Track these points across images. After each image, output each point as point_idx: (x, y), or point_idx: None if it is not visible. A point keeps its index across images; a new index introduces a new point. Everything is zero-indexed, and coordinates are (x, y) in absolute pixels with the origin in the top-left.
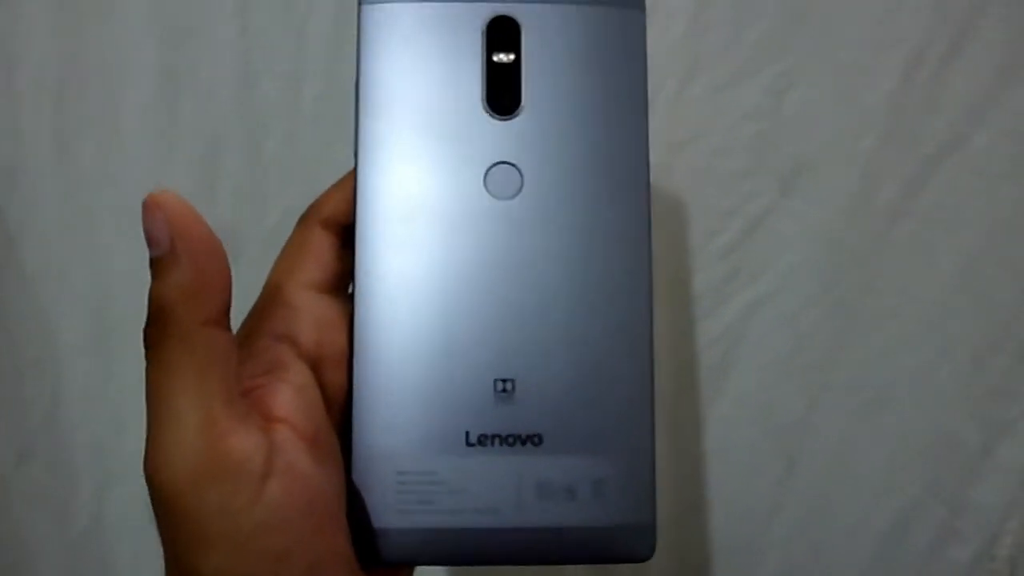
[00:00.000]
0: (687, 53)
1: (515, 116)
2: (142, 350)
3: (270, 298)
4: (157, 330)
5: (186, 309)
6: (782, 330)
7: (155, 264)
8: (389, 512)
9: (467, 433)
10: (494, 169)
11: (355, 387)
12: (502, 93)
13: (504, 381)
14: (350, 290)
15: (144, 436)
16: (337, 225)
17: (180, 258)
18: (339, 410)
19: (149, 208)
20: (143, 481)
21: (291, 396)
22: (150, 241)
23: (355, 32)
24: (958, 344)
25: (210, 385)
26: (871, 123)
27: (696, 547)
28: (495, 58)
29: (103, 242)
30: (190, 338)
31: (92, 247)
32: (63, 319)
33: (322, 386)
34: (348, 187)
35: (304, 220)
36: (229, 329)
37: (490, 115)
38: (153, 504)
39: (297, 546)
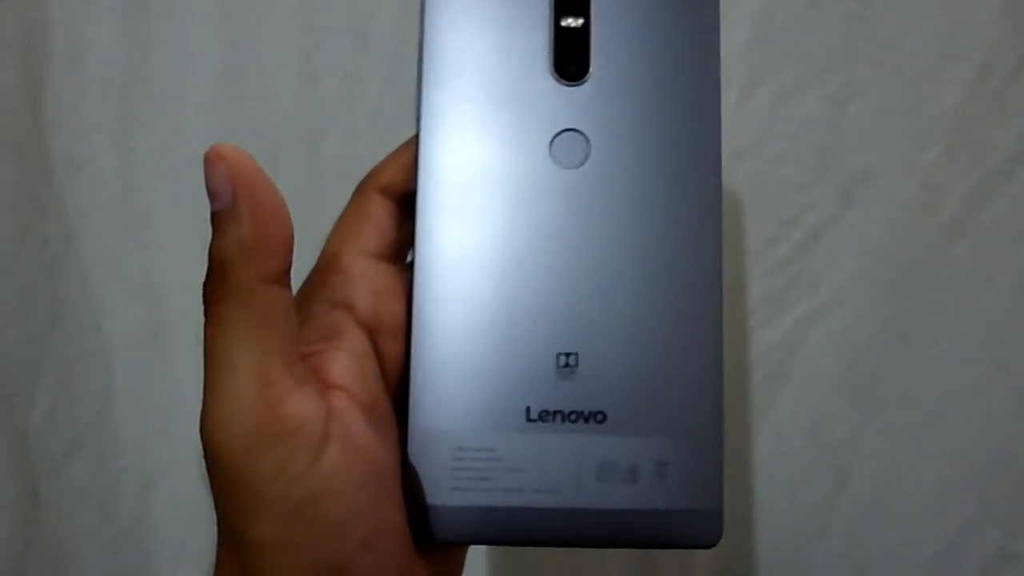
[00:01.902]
0: (751, 60)
1: (583, 83)
2: (194, 347)
3: (327, 266)
4: (216, 286)
5: (246, 265)
6: (837, 343)
7: (216, 218)
8: (445, 489)
9: (528, 409)
10: (560, 137)
11: (413, 359)
12: (570, 58)
13: (567, 355)
14: (409, 259)
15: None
16: (397, 193)
17: (241, 212)
18: (395, 382)
19: (211, 160)
20: (188, 478)
21: (349, 363)
22: (211, 194)
23: (415, 34)
24: (1015, 362)
25: (269, 344)
26: (935, 135)
27: (743, 559)
28: (563, 22)
29: (159, 238)
30: (250, 295)
31: (148, 242)
32: (117, 314)
33: (378, 356)
34: (408, 154)
35: (362, 187)
36: (290, 289)
37: (557, 81)
38: (207, 467)
39: (353, 517)
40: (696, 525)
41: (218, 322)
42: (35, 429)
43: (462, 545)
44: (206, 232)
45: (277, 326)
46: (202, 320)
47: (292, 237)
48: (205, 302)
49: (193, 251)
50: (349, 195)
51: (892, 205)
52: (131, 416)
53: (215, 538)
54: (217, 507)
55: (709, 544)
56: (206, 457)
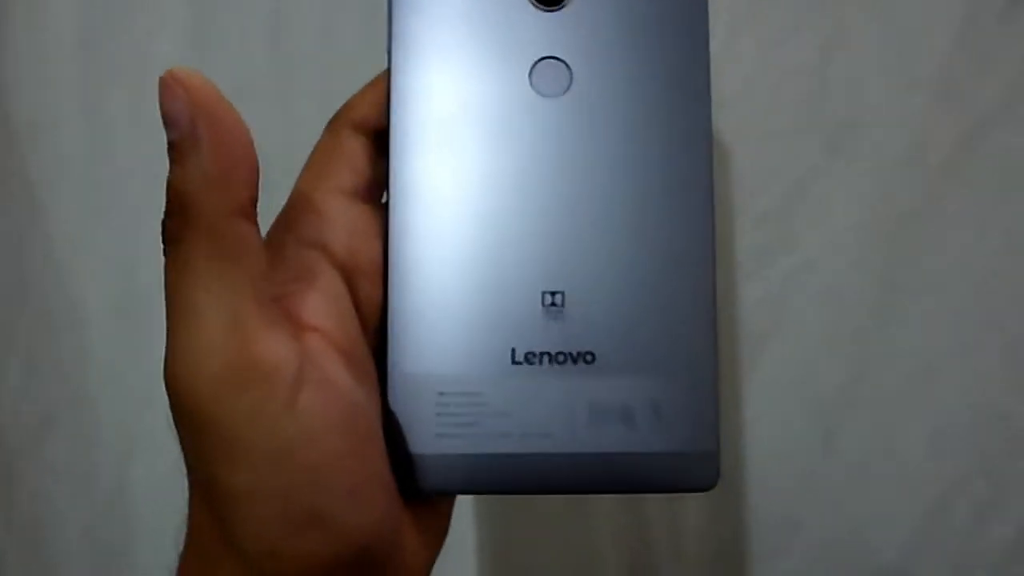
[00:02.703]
0: (734, 7)
1: (563, 7)
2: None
3: (297, 204)
4: (177, 222)
5: (209, 198)
6: (825, 297)
7: (174, 148)
8: (428, 437)
9: (513, 351)
10: (540, 65)
11: (391, 301)
12: None
13: (553, 294)
14: (384, 198)
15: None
16: (370, 128)
17: (202, 141)
18: (374, 326)
19: (168, 85)
20: (168, 450)
21: (324, 304)
22: (168, 121)
23: None
24: (1006, 315)
25: (237, 282)
26: (922, 83)
27: (730, 517)
28: None
29: (130, 204)
30: (215, 230)
31: (119, 209)
32: (89, 285)
33: (355, 300)
34: (381, 88)
35: (333, 124)
36: (257, 223)
37: (536, 6)
38: (175, 415)
39: (333, 464)
40: (692, 467)
41: (180, 260)
42: (7, 406)
43: (449, 495)
44: None
45: (245, 263)
46: None
47: (258, 166)
48: (164, 240)
49: None
50: None
51: (879, 156)
52: (107, 389)
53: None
54: (187, 458)
55: (706, 487)
56: (172, 405)
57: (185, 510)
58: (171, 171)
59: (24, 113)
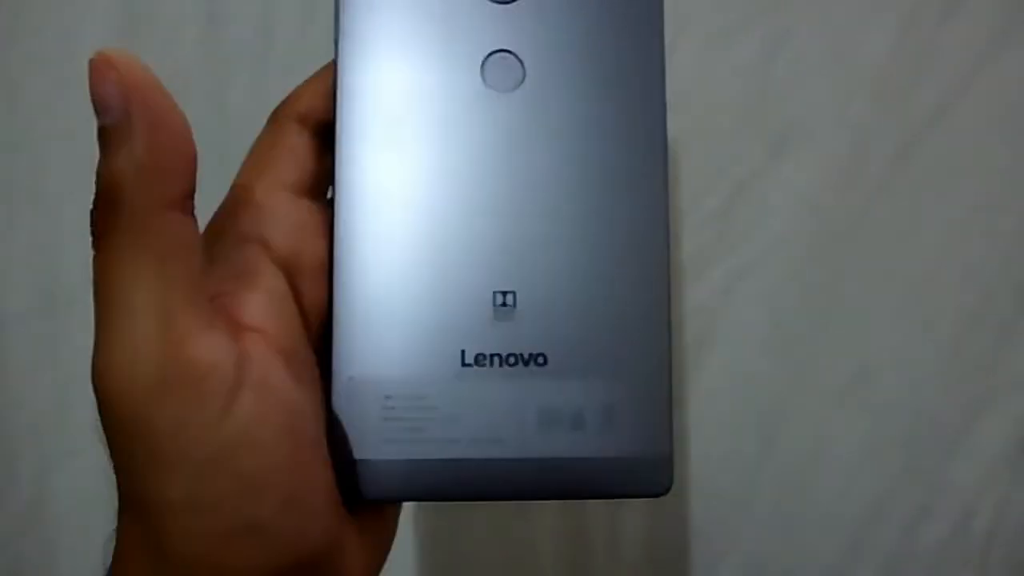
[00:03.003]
0: (678, 7)
1: (515, 0)
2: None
3: (238, 199)
4: (107, 214)
5: (142, 188)
6: (764, 302)
7: (105, 135)
8: (374, 442)
9: (462, 353)
10: (492, 58)
11: (336, 301)
12: None
13: (504, 294)
14: (329, 194)
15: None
16: (315, 122)
17: (135, 127)
18: (317, 327)
19: (99, 67)
20: (90, 459)
21: (264, 304)
22: (99, 106)
23: None
24: (940, 320)
25: (170, 279)
26: (862, 86)
27: (670, 525)
28: None
29: (51, 198)
30: (146, 223)
31: (41, 202)
32: (6, 282)
33: (298, 300)
34: (327, 80)
35: (276, 116)
36: (193, 216)
37: None
38: (103, 420)
39: (272, 472)
40: (645, 473)
41: (110, 254)
42: None
43: (395, 503)
44: None
45: (179, 258)
46: None
47: (195, 156)
48: (93, 233)
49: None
50: None
51: (820, 157)
52: (25, 394)
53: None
54: (116, 466)
55: (659, 492)
56: (100, 409)
57: (113, 521)
58: (101, 159)
59: None
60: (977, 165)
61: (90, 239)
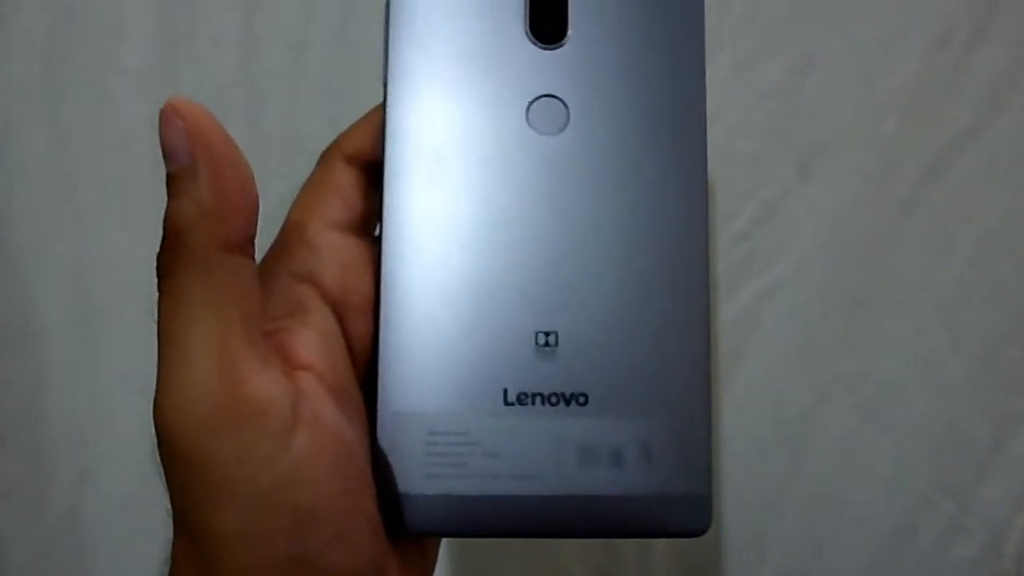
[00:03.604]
0: (708, 28)
1: (561, 45)
2: (130, 330)
3: (290, 237)
4: (172, 256)
5: (206, 232)
6: (793, 319)
7: (172, 180)
8: (418, 477)
9: (505, 391)
10: (537, 102)
11: (382, 338)
12: (547, 20)
13: (546, 334)
14: (376, 232)
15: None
16: (363, 162)
17: (201, 173)
18: (363, 362)
19: (168, 116)
20: (125, 470)
21: (315, 342)
22: (168, 153)
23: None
24: (970, 336)
25: (230, 319)
26: (892, 107)
27: (701, 538)
28: None
29: (91, 215)
30: (209, 265)
31: (79, 220)
32: (46, 296)
33: (346, 336)
34: (375, 121)
35: (327, 156)
36: (254, 259)
37: (534, 43)
38: (161, 453)
39: (324, 507)
40: (684, 511)
41: (174, 295)
42: None
43: (437, 536)
44: (142, 207)
45: (239, 299)
46: (139, 301)
47: (257, 201)
48: (159, 273)
49: (128, 228)
50: (291, 170)
51: (848, 178)
52: (63, 407)
53: (154, 533)
54: (173, 497)
55: (698, 532)
56: (160, 443)
57: (148, 531)
58: (168, 204)
59: None
60: (1006, 185)
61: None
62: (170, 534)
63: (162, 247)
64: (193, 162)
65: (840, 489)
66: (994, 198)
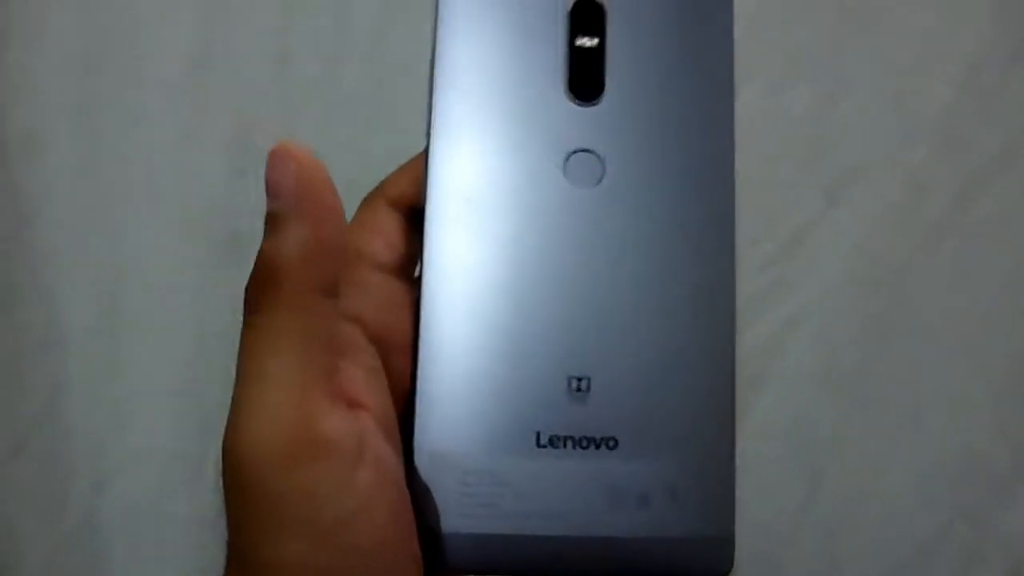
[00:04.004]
0: (740, 56)
1: (598, 102)
2: (151, 340)
3: None
4: (265, 292)
5: (302, 273)
6: (819, 344)
7: (273, 218)
8: (450, 515)
9: (538, 434)
10: (574, 156)
11: (419, 378)
12: (585, 78)
13: (579, 379)
14: (417, 274)
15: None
16: (405, 206)
17: (305, 215)
18: (401, 401)
19: (280, 157)
20: (141, 480)
21: (365, 380)
22: (273, 192)
23: (399, 14)
24: (994, 365)
25: (311, 358)
26: (923, 134)
27: None
28: (578, 42)
29: (118, 224)
30: (301, 305)
31: (107, 228)
32: (71, 303)
33: (387, 374)
34: (418, 168)
35: (371, 199)
36: (338, 302)
37: (572, 100)
38: (227, 481)
39: (379, 545)
40: (708, 553)
41: (261, 329)
42: None
43: (470, 574)
44: (169, 218)
45: (322, 340)
46: (162, 312)
47: (347, 249)
48: (247, 308)
49: (155, 238)
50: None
51: (877, 204)
52: (82, 415)
53: (169, 541)
54: (231, 526)
55: (723, 573)
56: (226, 472)
57: (163, 539)
58: (266, 239)
59: (19, 129)
60: None
61: (243, 309)
62: (185, 542)
63: (254, 281)
64: (299, 206)
65: (859, 515)
66: (1022, 226)
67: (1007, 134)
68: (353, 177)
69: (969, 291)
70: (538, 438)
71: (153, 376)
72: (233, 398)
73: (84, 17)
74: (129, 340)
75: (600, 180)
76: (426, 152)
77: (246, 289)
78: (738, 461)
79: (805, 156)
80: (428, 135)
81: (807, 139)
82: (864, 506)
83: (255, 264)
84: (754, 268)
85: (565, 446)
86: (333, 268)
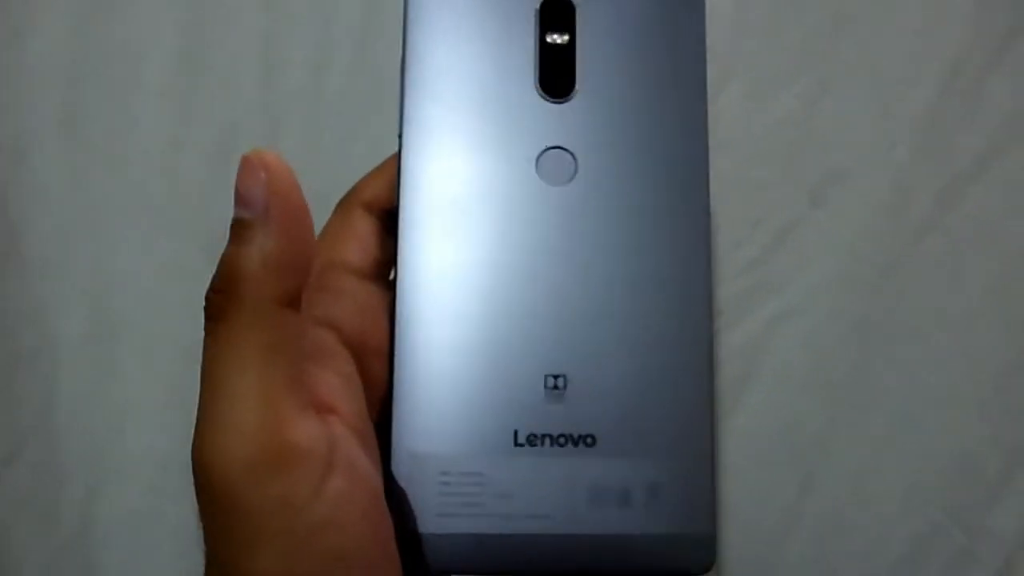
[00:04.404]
0: (722, 57)
1: (569, 99)
2: (143, 347)
3: (311, 283)
4: (226, 300)
5: (265, 283)
6: (804, 346)
7: (239, 226)
8: (430, 517)
9: (515, 432)
10: (547, 154)
11: (396, 381)
12: (556, 75)
13: (555, 377)
14: (392, 277)
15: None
16: (379, 209)
17: (271, 225)
18: (378, 405)
19: (252, 165)
20: (136, 488)
21: (338, 385)
22: (242, 200)
23: (384, 22)
24: (982, 365)
25: (275, 369)
26: (906, 135)
27: None
28: (549, 39)
29: (108, 231)
30: (262, 316)
31: (96, 236)
32: (62, 311)
33: (363, 379)
34: (391, 170)
35: (344, 203)
36: (300, 311)
37: (543, 98)
38: (200, 494)
39: (355, 550)
40: (689, 550)
41: (222, 339)
42: None
43: (452, 574)
44: (159, 226)
45: (286, 350)
46: (154, 320)
47: (313, 260)
48: (208, 315)
49: (145, 246)
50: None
51: (861, 205)
52: (75, 422)
53: (164, 549)
54: (207, 537)
55: (702, 570)
56: (198, 484)
57: (157, 546)
58: (229, 247)
59: (5, 137)
60: (1020, 213)
61: (204, 314)
62: (179, 550)
63: (214, 288)
64: (266, 215)
65: (849, 517)
66: (1007, 227)
67: (989, 135)
68: (338, 184)
69: (956, 291)
70: (516, 436)
71: (146, 382)
72: (199, 409)
73: (69, 23)
74: (121, 346)
75: (573, 177)
76: (399, 154)
77: (206, 295)
78: (726, 461)
79: (788, 158)
80: (400, 136)
81: (790, 140)
82: (854, 509)
83: (217, 270)
84: (738, 269)
85: (543, 444)
86: (296, 280)
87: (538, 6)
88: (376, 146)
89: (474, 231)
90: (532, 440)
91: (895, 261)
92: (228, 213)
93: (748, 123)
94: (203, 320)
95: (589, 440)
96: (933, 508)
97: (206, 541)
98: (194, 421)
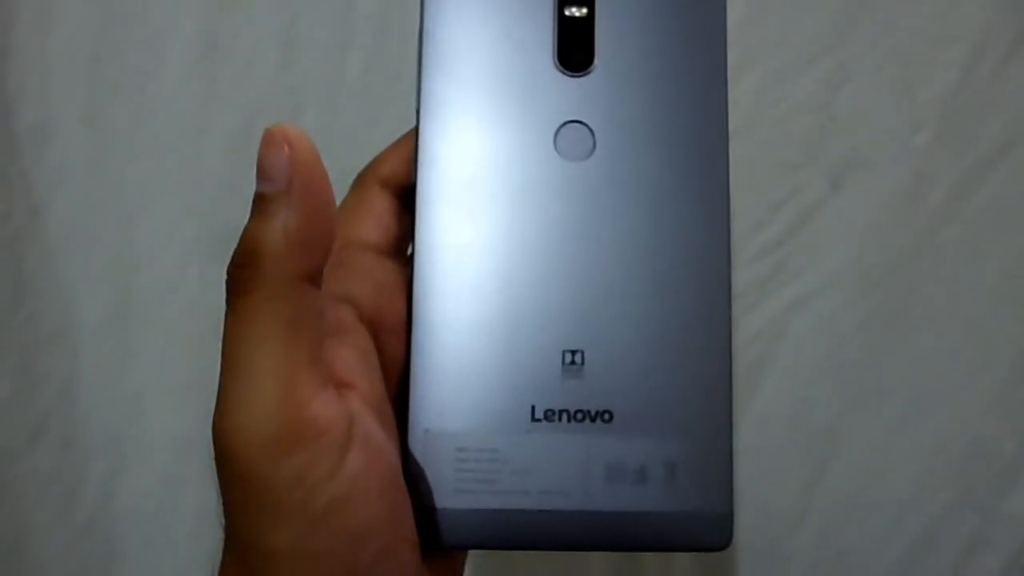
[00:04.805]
0: (743, 41)
1: (587, 73)
2: (165, 329)
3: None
4: (248, 276)
5: (286, 259)
6: (822, 330)
7: (261, 200)
8: (448, 492)
9: (532, 408)
10: (564, 129)
11: (413, 357)
12: (574, 49)
13: (573, 353)
14: (408, 253)
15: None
16: (396, 186)
17: (294, 200)
18: (395, 381)
19: (275, 139)
20: (157, 467)
21: (356, 361)
22: (264, 174)
23: (405, 3)
24: (999, 351)
25: (296, 345)
26: (927, 119)
27: None
28: (567, 12)
29: (130, 214)
30: (284, 292)
31: (119, 218)
32: (85, 293)
33: (380, 355)
34: (408, 146)
35: (361, 179)
36: (321, 288)
37: (561, 72)
38: (220, 470)
39: (373, 525)
40: (706, 527)
41: (244, 316)
42: None
43: (466, 550)
44: (182, 208)
45: (306, 326)
46: (176, 302)
47: (335, 238)
48: (230, 290)
49: (167, 229)
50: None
51: (881, 190)
52: (97, 402)
53: (183, 529)
54: (227, 513)
55: (719, 547)
56: (218, 461)
57: (175, 527)
58: (251, 222)
59: (29, 121)
60: None
61: (225, 295)
62: (198, 529)
63: (236, 263)
64: (288, 188)
65: (864, 501)
66: None
67: (1010, 120)
68: (360, 166)
69: (974, 277)
70: (533, 412)
71: (167, 364)
72: (219, 385)
73: (91, 7)
74: (142, 329)
75: (591, 153)
76: (416, 129)
77: (228, 270)
78: (741, 446)
79: (808, 142)
80: (417, 112)
81: (810, 125)
82: (868, 494)
83: (238, 245)
84: (757, 252)
85: (560, 420)
86: (318, 256)
87: None
88: (397, 130)
89: (491, 207)
90: (549, 416)
91: (914, 246)
92: (249, 197)
93: (769, 107)
94: (224, 304)
95: (606, 416)
96: (947, 493)
97: (225, 516)
98: (214, 403)
